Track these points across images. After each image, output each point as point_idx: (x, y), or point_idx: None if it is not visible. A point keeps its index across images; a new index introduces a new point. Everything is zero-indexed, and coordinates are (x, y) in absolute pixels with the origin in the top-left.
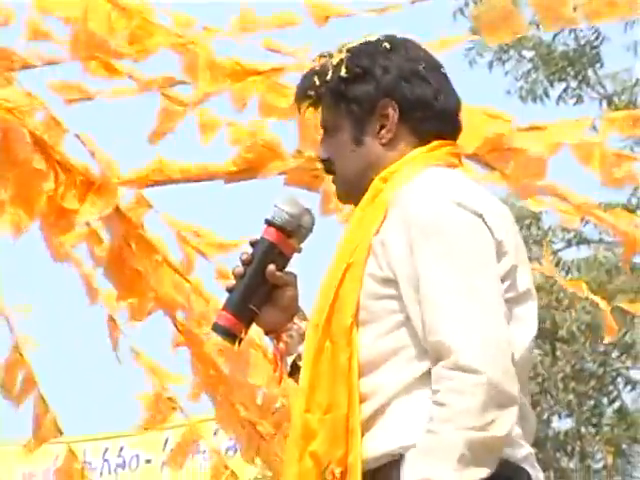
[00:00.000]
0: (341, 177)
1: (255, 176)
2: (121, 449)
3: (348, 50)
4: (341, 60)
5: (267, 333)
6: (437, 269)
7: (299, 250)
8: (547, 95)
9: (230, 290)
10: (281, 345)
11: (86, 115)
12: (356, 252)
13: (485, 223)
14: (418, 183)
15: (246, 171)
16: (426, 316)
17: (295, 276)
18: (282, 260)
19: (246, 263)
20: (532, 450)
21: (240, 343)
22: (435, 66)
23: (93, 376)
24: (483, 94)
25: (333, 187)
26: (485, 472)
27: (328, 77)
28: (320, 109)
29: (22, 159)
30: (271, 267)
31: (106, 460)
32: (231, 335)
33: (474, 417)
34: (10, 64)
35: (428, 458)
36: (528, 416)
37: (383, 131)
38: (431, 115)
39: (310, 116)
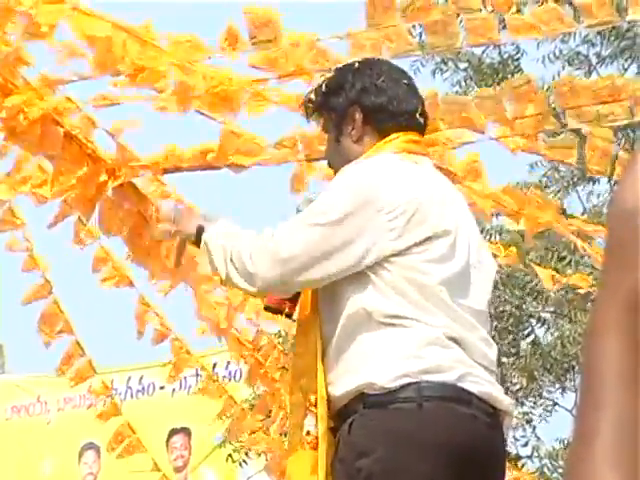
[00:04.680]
0: (334, 169)
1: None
2: (141, 378)
3: (331, 70)
4: (324, 80)
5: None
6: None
7: None
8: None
9: None
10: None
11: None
12: None
13: (376, 195)
14: (360, 162)
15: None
16: None
17: None
18: None
19: None
20: (472, 370)
21: (289, 317)
22: (394, 78)
23: (120, 318)
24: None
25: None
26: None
27: (317, 93)
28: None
29: (56, 151)
30: None
31: (129, 387)
32: (278, 312)
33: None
34: (51, 82)
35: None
36: (473, 343)
37: (353, 131)
38: (388, 117)
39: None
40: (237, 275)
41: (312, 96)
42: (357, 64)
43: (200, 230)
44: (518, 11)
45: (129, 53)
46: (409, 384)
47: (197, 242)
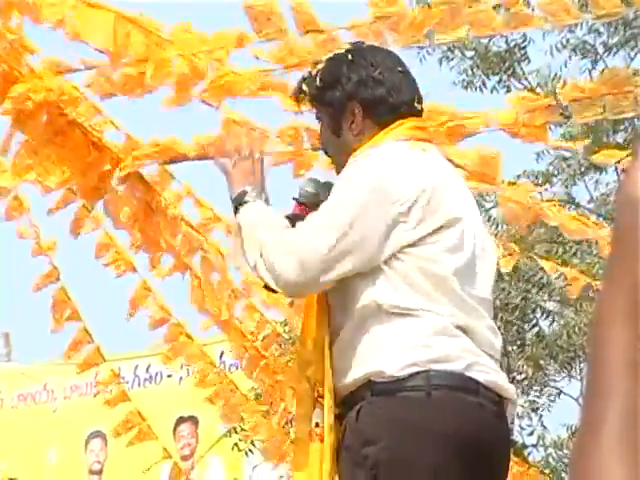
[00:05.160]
0: (335, 161)
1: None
2: (148, 366)
3: (324, 61)
4: (317, 72)
5: None
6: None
7: None
8: (484, 85)
9: None
10: None
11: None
12: None
13: (388, 187)
14: (370, 152)
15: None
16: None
17: None
18: None
19: None
20: (478, 359)
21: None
22: (389, 67)
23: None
24: (434, 84)
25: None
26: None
27: (309, 85)
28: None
29: (62, 140)
30: None
31: (137, 375)
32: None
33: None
34: (56, 69)
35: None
36: (481, 332)
37: (353, 125)
38: (388, 109)
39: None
40: (264, 270)
41: (305, 87)
42: (350, 55)
43: (240, 198)
44: (526, 1)
45: (133, 44)
46: (417, 373)
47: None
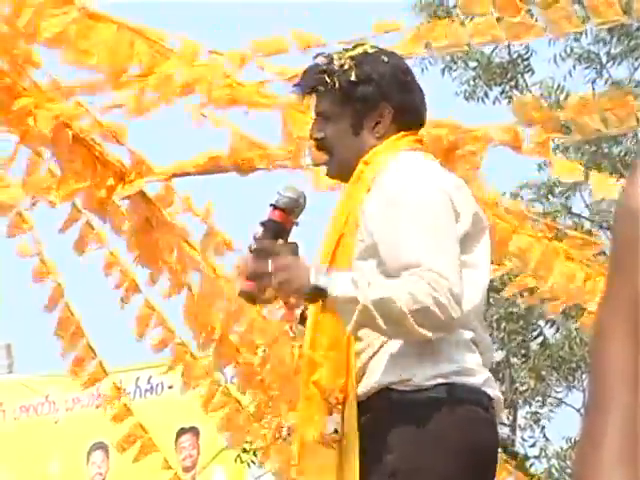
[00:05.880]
0: (338, 158)
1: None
2: (149, 378)
3: (353, 58)
4: (350, 66)
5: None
6: (409, 223)
7: (297, 224)
8: (487, 96)
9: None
10: (291, 300)
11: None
12: (347, 224)
13: (445, 194)
14: (393, 165)
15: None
16: (404, 253)
17: (297, 245)
18: (286, 234)
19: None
20: (490, 375)
21: (261, 303)
22: (414, 77)
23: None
24: (436, 95)
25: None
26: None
27: (339, 77)
28: (319, 97)
29: (67, 154)
30: (280, 241)
31: (138, 386)
32: (253, 298)
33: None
34: (61, 90)
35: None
36: (488, 347)
37: (378, 127)
38: (415, 118)
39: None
40: (423, 324)
41: (325, 77)
42: (385, 56)
43: (319, 290)
44: (528, 11)
45: (137, 54)
46: (441, 384)
47: (312, 300)
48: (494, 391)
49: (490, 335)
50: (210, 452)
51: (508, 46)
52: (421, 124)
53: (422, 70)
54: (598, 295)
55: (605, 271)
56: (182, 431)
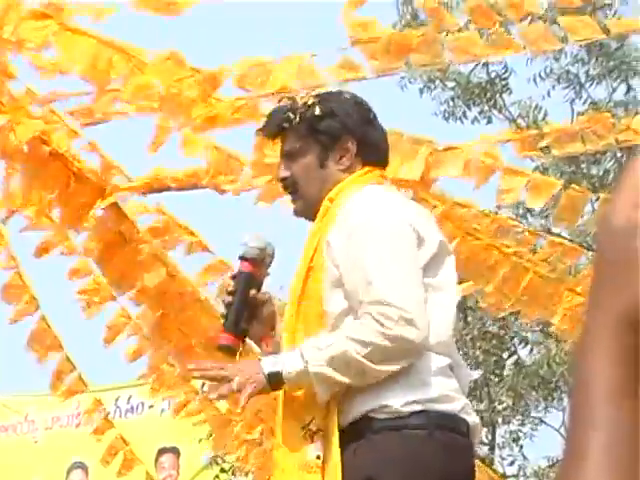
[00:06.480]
0: (305, 193)
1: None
2: (129, 397)
3: (316, 95)
4: (314, 103)
5: (257, 342)
6: (367, 254)
7: (268, 274)
8: (465, 116)
9: (224, 317)
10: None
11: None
12: (315, 258)
13: (406, 223)
14: (357, 198)
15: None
16: (361, 286)
17: (270, 295)
18: (258, 284)
19: (232, 293)
20: (467, 401)
21: (240, 355)
22: (376, 115)
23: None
24: (415, 115)
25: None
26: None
27: (303, 114)
28: (284, 138)
29: (44, 169)
30: (252, 292)
31: (118, 406)
32: (232, 351)
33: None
34: (38, 99)
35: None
36: (462, 372)
37: (343, 159)
38: (376, 153)
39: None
40: (383, 361)
41: (292, 116)
42: (348, 95)
43: (275, 376)
44: (502, 26)
45: (115, 69)
46: (420, 411)
47: (275, 386)
48: (472, 417)
49: (466, 354)
50: (190, 472)
51: (486, 66)
52: (385, 162)
53: (402, 88)
54: (562, 311)
55: (584, 287)
56: (162, 451)
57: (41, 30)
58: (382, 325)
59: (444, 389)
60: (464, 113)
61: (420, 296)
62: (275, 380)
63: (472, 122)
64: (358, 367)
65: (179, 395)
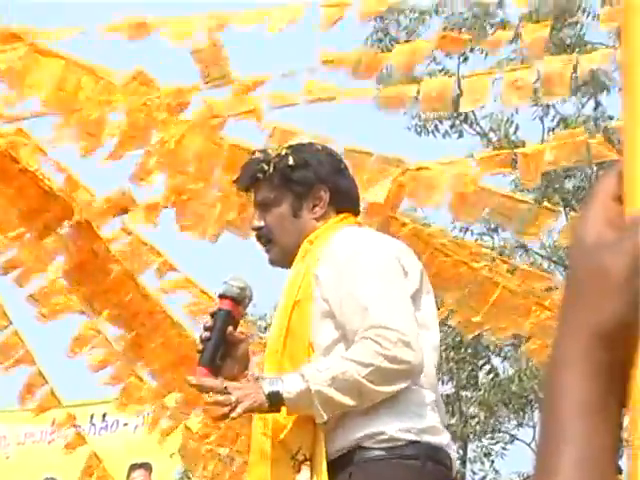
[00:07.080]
0: (280, 242)
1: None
2: (104, 415)
3: (289, 147)
4: (287, 153)
5: (230, 380)
6: (360, 283)
7: (245, 314)
8: (437, 130)
9: (201, 351)
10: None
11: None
12: (301, 291)
13: (393, 256)
14: (338, 236)
15: None
16: (357, 313)
17: (247, 335)
18: (235, 323)
19: (209, 329)
20: (450, 436)
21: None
22: (347, 166)
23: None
24: (388, 129)
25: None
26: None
27: (276, 164)
28: (258, 189)
29: (15, 188)
30: (230, 329)
31: (93, 424)
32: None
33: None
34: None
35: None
36: (442, 408)
37: (316, 208)
38: (349, 201)
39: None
40: (381, 383)
41: (264, 166)
42: (319, 147)
43: (275, 396)
44: (465, 58)
45: (83, 90)
46: (412, 442)
47: (274, 407)
48: (453, 453)
49: (439, 365)
50: None
51: (458, 80)
52: (357, 210)
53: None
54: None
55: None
56: (134, 466)
57: (10, 52)
58: (381, 346)
59: (433, 421)
60: (436, 127)
61: (414, 321)
62: (275, 400)
63: (443, 136)
64: (358, 388)
65: (148, 409)
